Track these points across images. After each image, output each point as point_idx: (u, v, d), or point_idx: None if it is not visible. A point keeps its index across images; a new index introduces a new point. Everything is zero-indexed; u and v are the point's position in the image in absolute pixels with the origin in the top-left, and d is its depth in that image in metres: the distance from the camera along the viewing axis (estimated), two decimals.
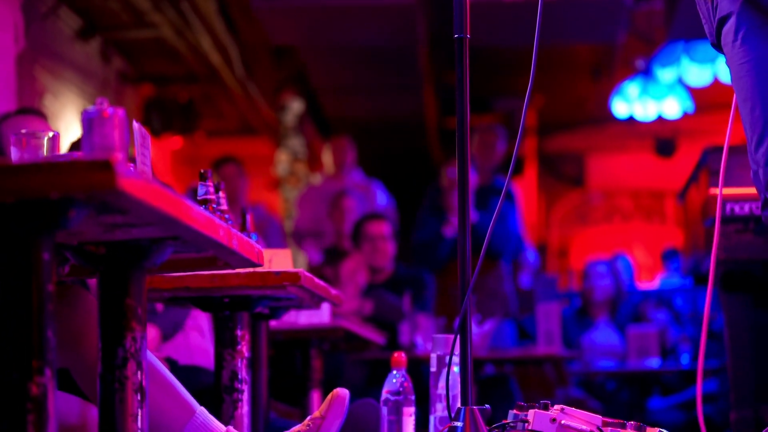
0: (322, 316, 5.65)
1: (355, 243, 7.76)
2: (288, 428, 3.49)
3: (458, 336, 3.53)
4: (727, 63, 3.66)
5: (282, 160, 11.16)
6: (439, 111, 13.13)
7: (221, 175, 8.91)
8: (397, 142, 11.81)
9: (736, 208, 4.89)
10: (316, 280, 4.05)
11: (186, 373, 4.41)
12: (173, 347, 5.42)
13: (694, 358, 8.35)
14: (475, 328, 6.92)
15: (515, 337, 8.18)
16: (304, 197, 9.66)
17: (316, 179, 10.17)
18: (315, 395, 5.44)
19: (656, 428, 3.47)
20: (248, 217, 4.71)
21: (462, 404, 3.36)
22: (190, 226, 2.44)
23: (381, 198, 9.62)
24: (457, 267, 8.24)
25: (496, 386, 7.19)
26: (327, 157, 9.81)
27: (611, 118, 13.15)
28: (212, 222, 2.64)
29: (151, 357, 3.07)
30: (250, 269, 3.54)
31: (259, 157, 12.77)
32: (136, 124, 2.72)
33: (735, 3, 3.58)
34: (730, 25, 3.59)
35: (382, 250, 7.67)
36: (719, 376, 7.96)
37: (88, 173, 1.95)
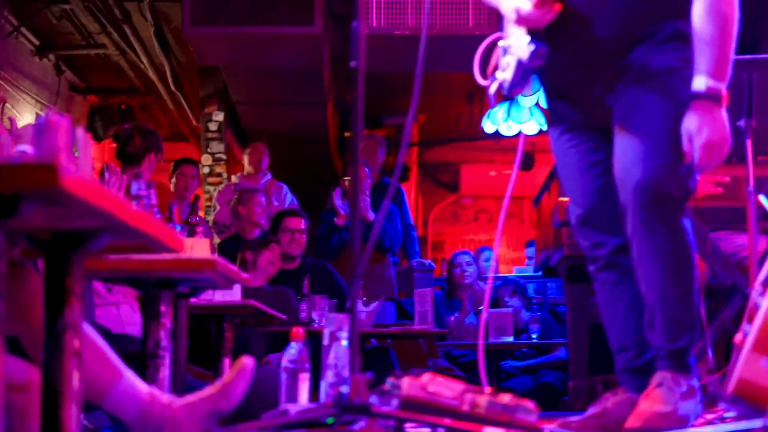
0: (234, 294, 5.66)
1: (273, 233, 7.75)
2: (201, 388, 3.48)
3: (348, 315, 3.54)
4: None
5: (205, 163, 11.09)
6: (339, 124, 13.14)
7: (180, 172, 8.83)
8: (303, 151, 11.79)
9: None
10: (229, 265, 4.04)
11: (117, 341, 4.37)
12: (108, 318, 5.39)
13: (541, 335, 8.46)
14: (362, 308, 6.96)
15: (395, 316, 8.22)
16: (223, 194, 9.61)
17: (234, 179, 10.11)
18: (226, 361, 5.44)
19: (508, 393, 3.50)
20: (174, 210, 4.69)
21: (349, 372, 3.36)
22: (122, 219, 2.44)
23: (289, 198, 9.61)
24: (348, 256, 8.28)
25: (379, 357, 7.22)
26: (245, 160, 9.75)
27: (482, 134, 13.23)
28: (141, 215, 2.63)
29: (87, 327, 3.05)
30: (173, 255, 3.53)
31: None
32: (79, 131, 2.70)
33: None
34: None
35: (298, 241, 7.72)
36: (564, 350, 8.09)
37: (36, 173, 1.95)
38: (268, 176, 9.63)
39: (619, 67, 3.85)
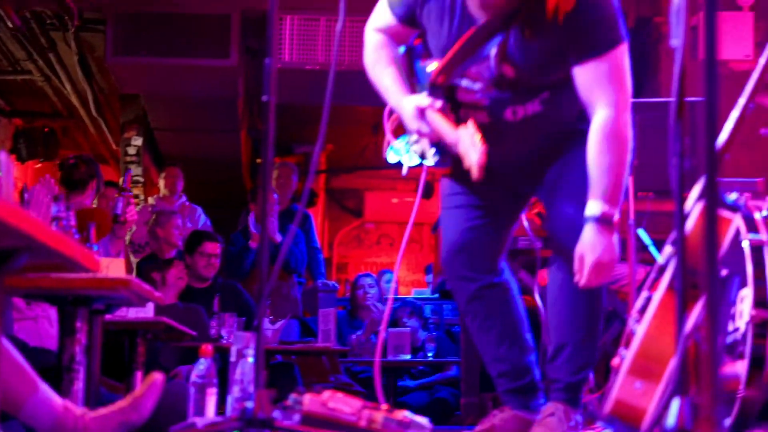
0: (147, 311, 5.63)
1: (189, 253, 7.71)
2: (114, 401, 3.46)
3: (255, 333, 3.54)
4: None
5: (128, 167, 11.01)
6: (252, 151, 13.12)
7: (102, 194, 8.75)
8: (217, 175, 11.75)
9: None
10: (143, 284, 4.02)
11: (35, 354, 4.33)
12: (26, 332, 5.33)
13: (436, 354, 8.51)
14: (268, 326, 6.94)
15: (299, 333, 8.21)
16: (140, 215, 9.51)
17: (151, 201, 10.03)
18: (138, 374, 5.41)
19: (404, 410, 3.52)
20: (92, 231, 4.65)
21: (254, 388, 3.36)
22: (41, 241, 2.43)
23: (202, 220, 9.56)
24: (257, 276, 8.18)
25: (283, 372, 7.20)
26: (161, 183, 9.68)
27: (385, 164, 13.28)
28: (60, 237, 2.62)
29: (4, 341, 3.02)
30: (89, 274, 3.51)
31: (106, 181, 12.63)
32: (2, 155, 2.69)
33: None
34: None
35: (214, 266, 7.69)
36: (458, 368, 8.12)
37: None
38: (183, 199, 9.58)
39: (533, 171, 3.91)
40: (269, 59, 3.53)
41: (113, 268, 4.40)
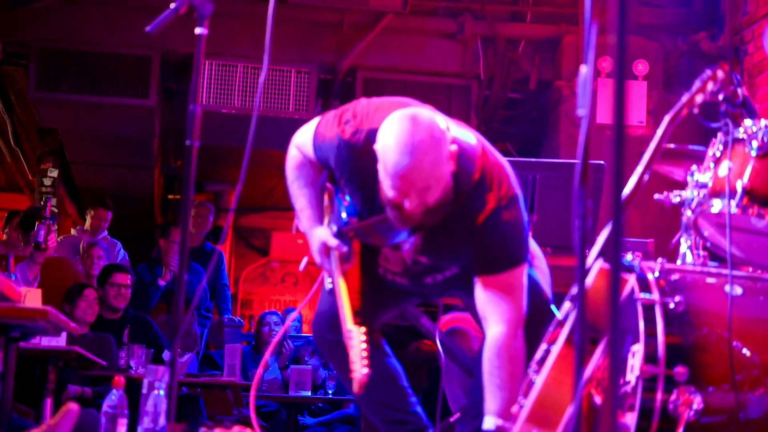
0: (60, 340, 5.56)
1: (100, 285, 7.63)
2: (26, 427, 3.42)
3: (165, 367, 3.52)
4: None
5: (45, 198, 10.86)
6: (164, 187, 13.05)
7: (12, 224, 8.63)
8: (129, 209, 11.65)
9: None
10: (60, 315, 3.98)
11: None
12: None
13: (336, 392, 8.51)
14: (176, 359, 6.89)
15: (197, 366, 8.18)
16: (62, 246, 9.36)
17: (73, 232, 9.86)
18: (48, 401, 5.34)
19: None
20: (11, 260, 4.59)
21: (165, 421, 3.34)
22: None
23: (121, 255, 9.46)
24: (161, 309, 8.10)
25: (189, 404, 7.14)
26: (87, 221, 9.49)
27: (292, 206, 13.29)
28: None
29: None
30: (9, 304, 3.47)
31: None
32: None
33: None
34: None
35: (124, 296, 7.60)
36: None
37: None
38: (105, 233, 9.47)
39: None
40: (193, 105, 3.53)
41: (30, 297, 4.34)
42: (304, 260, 4.21)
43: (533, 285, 3.84)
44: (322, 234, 3.85)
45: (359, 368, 3.48)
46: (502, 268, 3.68)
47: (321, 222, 3.92)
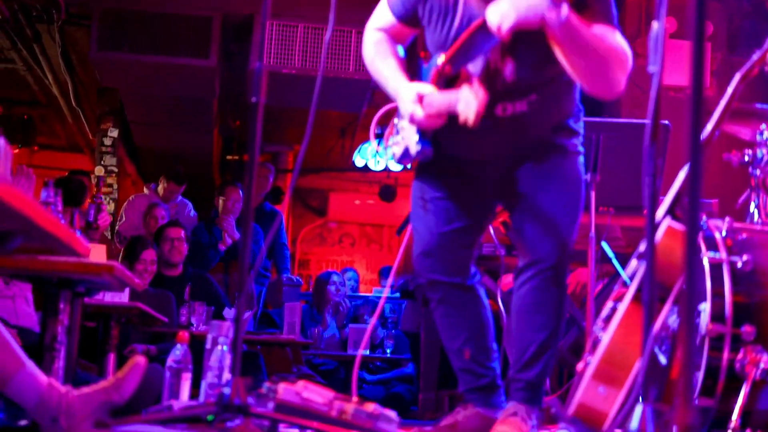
0: (123, 296, 5.61)
1: (156, 243, 7.68)
2: (89, 382, 3.44)
3: (234, 324, 3.53)
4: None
5: (98, 174, 10.94)
6: (223, 148, 13.10)
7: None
8: (187, 169, 11.69)
9: None
10: (125, 271, 4.00)
11: (14, 332, 4.31)
12: (4, 311, 5.29)
13: (394, 350, 8.54)
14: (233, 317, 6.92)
15: (254, 325, 8.22)
16: (132, 206, 9.43)
17: (146, 191, 9.92)
18: (111, 356, 5.39)
19: (372, 402, 3.53)
20: (76, 217, 4.63)
21: (230, 375, 3.35)
22: (39, 224, 2.41)
23: (192, 213, 9.52)
24: (219, 268, 8.13)
25: (249, 361, 7.18)
26: (160, 186, 9.54)
27: (351, 167, 13.30)
28: (55, 221, 2.61)
29: None
30: (76, 259, 3.49)
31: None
32: (1, 141, 2.66)
33: None
34: None
35: (178, 249, 7.63)
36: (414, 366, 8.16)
37: None
38: (180, 199, 9.55)
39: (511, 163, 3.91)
40: (258, 63, 3.53)
41: (95, 253, 4.37)
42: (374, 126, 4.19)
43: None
44: (414, 85, 3.82)
45: (475, 101, 3.53)
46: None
47: (409, 80, 3.89)
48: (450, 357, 4.10)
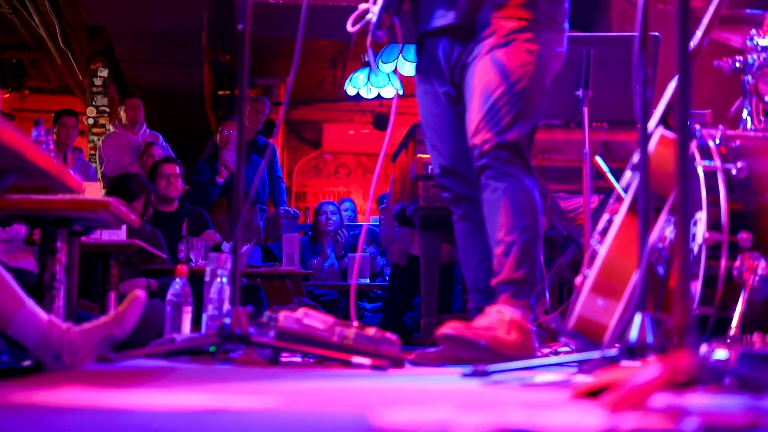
0: (120, 234, 5.60)
1: (151, 180, 7.67)
2: (90, 319, 3.45)
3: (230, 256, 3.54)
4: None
5: (90, 115, 10.90)
6: (214, 83, 13.04)
7: (61, 122, 8.71)
8: (179, 107, 11.68)
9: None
10: (121, 207, 4.00)
11: (14, 274, 4.31)
12: (2, 253, 5.30)
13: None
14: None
15: (261, 258, 8.23)
16: (107, 145, 9.38)
17: (112, 128, 9.83)
18: (112, 294, 5.40)
19: (372, 327, 3.54)
20: (69, 155, 4.61)
21: (230, 305, 3.36)
22: (32, 161, 2.41)
23: (164, 145, 9.49)
24: (222, 204, 8.11)
25: (249, 294, 7.20)
26: (122, 114, 9.50)
27: (343, 96, 13.26)
28: (48, 158, 2.60)
29: None
30: (71, 196, 3.48)
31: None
32: None
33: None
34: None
35: (174, 185, 7.62)
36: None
37: None
38: (145, 127, 9.48)
39: (471, 31, 3.88)
40: None
41: (89, 190, 4.36)
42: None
43: None
44: None
45: None
46: None
47: None
48: (464, 274, 4.09)
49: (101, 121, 10.92)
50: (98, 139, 10.70)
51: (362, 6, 4.11)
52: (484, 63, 3.83)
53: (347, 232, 9.39)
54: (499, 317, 3.65)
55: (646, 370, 1.71)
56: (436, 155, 4.10)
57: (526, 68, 3.79)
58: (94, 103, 10.86)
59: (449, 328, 3.60)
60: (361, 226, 9.92)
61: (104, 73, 10.99)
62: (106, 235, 5.55)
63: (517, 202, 3.73)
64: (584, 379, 2.25)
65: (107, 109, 10.93)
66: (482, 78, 3.81)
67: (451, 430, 1.41)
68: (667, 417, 1.52)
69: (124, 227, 5.44)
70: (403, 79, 12.48)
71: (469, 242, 4.03)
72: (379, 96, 12.89)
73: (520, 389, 2.50)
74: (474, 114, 3.81)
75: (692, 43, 3.44)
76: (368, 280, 8.30)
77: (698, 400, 1.81)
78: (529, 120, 3.82)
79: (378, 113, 14.11)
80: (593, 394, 1.91)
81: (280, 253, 7.90)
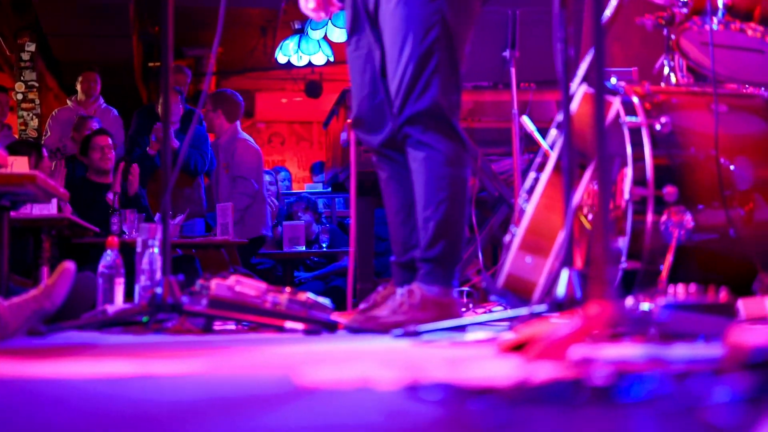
0: (51, 208, 5.54)
1: (83, 154, 7.61)
2: (24, 293, 3.42)
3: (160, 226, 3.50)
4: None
5: (19, 90, 10.77)
6: (144, 55, 12.92)
7: None
8: (110, 80, 11.55)
9: None
10: (49, 180, 3.97)
11: None
12: None
13: (330, 245, 8.57)
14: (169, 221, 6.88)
15: (204, 230, 8.19)
16: (54, 119, 9.24)
17: (69, 103, 9.66)
18: (44, 270, 5.35)
19: (305, 292, 3.54)
20: None
21: (161, 275, 3.33)
22: None
23: (117, 121, 9.38)
24: (158, 180, 8.08)
25: (185, 264, 7.17)
26: (78, 87, 9.35)
27: (274, 65, 13.19)
28: None
29: None
30: None
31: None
32: None
33: None
34: None
35: (107, 156, 7.58)
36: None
37: None
38: (101, 101, 9.35)
39: None
40: None
41: (17, 165, 4.31)
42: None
43: None
44: None
45: None
46: None
47: None
48: (389, 228, 3.97)
49: (30, 96, 10.80)
50: (28, 114, 10.57)
51: None
52: (391, 20, 3.69)
53: (284, 200, 9.36)
54: (404, 299, 3.53)
55: (567, 323, 1.73)
56: (353, 107, 3.98)
57: (434, 21, 3.60)
58: (22, 78, 10.73)
59: (352, 320, 3.51)
60: (296, 193, 9.92)
61: (32, 47, 10.86)
62: (37, 210, 5.50)
63: (434, 175, 3.57)
64: (509, 335, 2.26)
65: (36, 84, 10.81)
66: (390, 39, 3.69)
67: (370, 384, 1.42)
68: (580, 367, 1.54)
69: (54, 201, 5.39)
70: (334, 46, 12.44)
71: (386, 193, 3.91)
72: (310, 63, 12.84)
73: (447, 347, 2.51)
74: (390, 82, 3.71)
75: (613, 1, 3.47)
76: (303, 248, 8.28)
77: (615, 351, 1.83)
78: (447, 78, 3.61)
79: (310, 81, 14.06)
80: (518, 348, 1.93)
81: (215, 223, 7.86)
